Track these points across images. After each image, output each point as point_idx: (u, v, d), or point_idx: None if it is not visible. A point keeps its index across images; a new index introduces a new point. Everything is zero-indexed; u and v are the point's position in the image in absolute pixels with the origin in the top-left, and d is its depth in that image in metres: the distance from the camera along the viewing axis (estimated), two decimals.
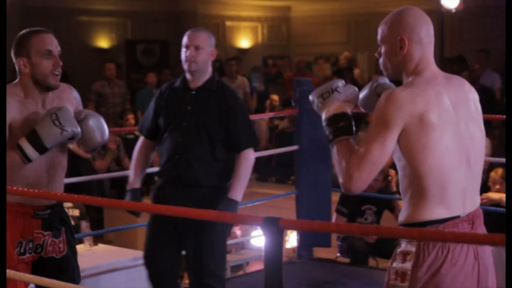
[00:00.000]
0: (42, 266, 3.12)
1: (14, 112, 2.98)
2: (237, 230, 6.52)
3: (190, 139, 3.80)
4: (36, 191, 2.93)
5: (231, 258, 6.25)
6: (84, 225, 6.12)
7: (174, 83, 4.00)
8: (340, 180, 2.53)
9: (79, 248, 5.36)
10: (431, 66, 2.58)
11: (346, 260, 5.93)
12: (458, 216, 2.49)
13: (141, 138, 4.08)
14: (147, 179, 8.16)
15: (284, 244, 5.85)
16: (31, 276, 3.02)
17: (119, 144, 8.16)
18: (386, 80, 2.74)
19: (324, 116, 2.65)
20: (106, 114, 9.54)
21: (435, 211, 2.47)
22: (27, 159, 2.94)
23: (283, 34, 13.87)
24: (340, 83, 2.68)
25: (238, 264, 6.28)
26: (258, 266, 6.40)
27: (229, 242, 6.32)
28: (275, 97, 10.62)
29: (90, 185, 7.45)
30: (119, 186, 7.73)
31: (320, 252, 5.84)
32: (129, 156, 8.23)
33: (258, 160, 9.05)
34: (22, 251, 3.06)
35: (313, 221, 2.82)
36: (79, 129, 3.02)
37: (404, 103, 2.45)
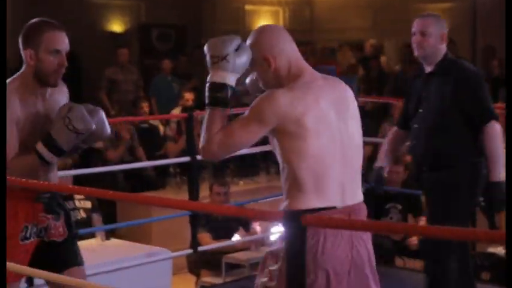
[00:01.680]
0: (43, 250, 3.26)
1: (18, 112, 3.13)
2: (257, 226, 6.53)
3: (425, 125, 4.12)
4: (49, 183, 3.02)
5: (251, 255, 6.25)
6: (96, 218, 6.14)
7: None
8: (201, 145, 2.83)
9: (90, 242, 5.43)
10: (306, 69, 2.90)
11: None
12: (334, 207, 2.83)
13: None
14: (163, 171, 8.20)
15: (306, 241, 5.83)
16: (42, 271, 3.09)
17: (133, 134, 8.18)
18: None
19: (207, 79, 2.90)
20: (118, 101, 9.57)
21: (310, 202, 2.80)
22: (46, 163, 3.14)
23: (306, 19, 13.81)
24: (232, 47, 2.84)
25: (258, 261, 6.27)
26: None
27: (249, 238, 6.33)
28: None
29: (102, 175, 7.47)
30: (132, 178, 7.76)
31: None
32: (143, 146, 8.29)
33: None
34: (27, 235, 3.21)
35: (338, 218, 2.82)
36: (93, 126, 3.15)
37: (282, 106, 2.76)
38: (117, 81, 9.76)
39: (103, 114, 3.29)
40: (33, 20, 3.26)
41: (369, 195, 6.15)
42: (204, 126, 2.84)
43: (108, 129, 3.30)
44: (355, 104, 2.97)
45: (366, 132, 7.22)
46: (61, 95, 3.32)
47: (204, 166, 8.05)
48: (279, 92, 2.80)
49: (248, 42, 2.93)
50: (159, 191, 7.78)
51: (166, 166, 8.00)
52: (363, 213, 2.97)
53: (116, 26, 12.18)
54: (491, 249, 5.76)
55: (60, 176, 5.53)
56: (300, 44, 10.87)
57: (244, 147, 2.86)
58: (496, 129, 3.98)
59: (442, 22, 4.16)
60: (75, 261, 3.33)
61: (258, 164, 9.05)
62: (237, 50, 2.87)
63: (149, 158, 7.89)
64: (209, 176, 7.70)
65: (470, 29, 6.59)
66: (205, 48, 2.92)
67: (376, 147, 8.22)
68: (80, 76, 10.57)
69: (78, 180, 6.21)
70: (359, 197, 2.96)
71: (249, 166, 8.62)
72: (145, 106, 8.82)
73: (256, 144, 7.32)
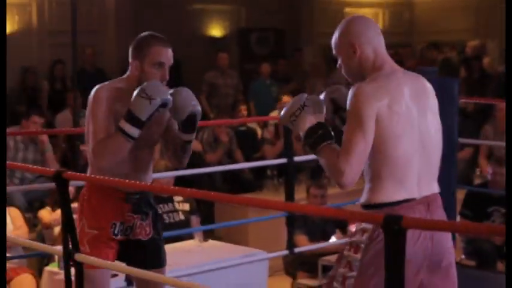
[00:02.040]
0: (129, 248, 3.44)
1: (113, 109, 3.32)
2: (353, 228, 6.45)
3: None
4: (152, 185, 3.07)
5: None
6: (195, 220, 6.22)
7: None
8: (334, 179, 2.85)
9: (189, 243, 5.48)
10: (388, 62, 2.97)
11: (472, 263, 5.77)
12: (414, 199, 2.87)
13: None
14: (260, 174, 8.21)
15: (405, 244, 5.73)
16: (135, 269, 3.18)
17: (231, 137, 8.22)
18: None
19: (301, 133, 2.94)
20: (218, 105, 9.65)
21: (390, 195, 2.84)
22: (130, 137, 3.23)
23: (406, 21, 13.63)
24: (303, 96, 3.00)
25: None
26: None
27: (345, 240, 6.26)
28: None
29: (201, 178, 7.54)
30: (230, 180, 7.80)
31: None
32: (242, 149, 8.33)
33: None
34: (116, 232, 3.43)
35: (438, 220, 2.76)
36: (168, 97, 3.26)
37: (370, 95, 2.81)
38: (217, 85, 9.85)
39: (189, 92, 3.39)
40: (143, 34, 3.45)
41: (471, 198, 6.02)
42: (326, 169, 2.88)
43: (197, 107, 3.38)
44: (435, 99, 3.00)
45: (467, 133, 7.09)
46: None
47: (301, 168, 8.02)
48: (361, 86, 2.86)
49: (338, 29, 3.03)
50: (256, 193, 7.79)
51: (264, 168, 8.01)
52: (439, 204, 2.99)
53: (216, 31, 12.30)
54: None
55: (161, 177, 5.64)
56: (399, 46, 10.75)
57: (368, 149, 2.83)
58: None
59: None
60: (158, 263, 3.48)
61: None
62: (307, 98, 3.01)
63: (247, 161, 7.92)
64: (306, 178, 7.67)
65: None
66: (283, 117, 3.02)
67: (477, 149, 8.02)
68: (181, 80, 10.71)
69: (177, 182, 6.29)
70: (435, 187, 2.99)
71: None
72: (243, 109, 8.86)
73: None
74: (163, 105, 3.26)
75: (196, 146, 8.17)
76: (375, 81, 2.89)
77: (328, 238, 6.33)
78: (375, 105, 2.81)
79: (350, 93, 2.87)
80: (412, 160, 2.88)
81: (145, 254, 3.46)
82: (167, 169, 5.87)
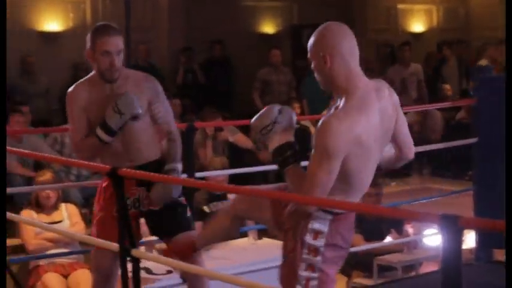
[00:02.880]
0: (148, 219, 3.76)
1: (83, 101, 3.76)
2: (409, 228, 6.42)
3: None
4: (207, 182, 3.11)
5: (403, 258, 6.16)
6: None
7: None
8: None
9: (243, 241, 5.51)
10: (362, 79, 2.94)
11: None
12: None
13: None
14: None
15: (462, 244, 5.66)
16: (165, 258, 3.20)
17: None
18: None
19: (270, 150, 3.02)
20: (271, 102, 9.62)
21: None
22: (103, 142, 3.68)
23: (461, 17, 13.49)
24: (276, 109, 3.03)
25: (410, 264, 6.18)
26: (432, 267, 6.27)
27: (401, 240, 6.24)
28: (447, 86, 10.36)
29: (254, 176, 7.57)
30: (283, 178, 7.81)
31: (501, 255, 5.63)
32: None
33: (432, 154, 8.91)
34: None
35: (496, 220, 2.73)
36: (138, 111, 3.64)
37: (341, 134, 2.82)
38: (270, 82, 9.87)
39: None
40: (96, 24, 3.83)
41: None
42: (291, 188, 3.02)
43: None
44: (397, 107, 3.08)
45: None
46: (135, 88, 3.74)
47: None
48: (334, 123, 2.85)
49: (314, 34, 3.01)
50: None
51: None
52: None
53: (268, 27, 12.32)
54: None
55: (216, 175, 5.69)
56: (454, 42, 10.63)
57: (331, 183, 2.91)
58: None
59: None
60: (178, 228, 3.73)
61: (410, 165, 8.91)
62: (280, 112, 3.06)
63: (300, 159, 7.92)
64: None
65: None
66: (253, 132, 3.08)
67: None
68: (233, 77, 10.76)
69: (231, 180, 6.33)
70: None
71: (401, 167, 8.50)
72: (296, 107, 8.86)
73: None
74: (134, 117, 3.67)
75: (249, 143, 8.21)
76: (348, 114, 2.88)
77: (384, 238, 6.31)
78: (344, 145, 2.85)
79: (321, 126, 2.87)
80: (365, 182, 3.04)
81: (162, 222, 3.73)
82: (223, 166, 5.91)
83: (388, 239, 6.25)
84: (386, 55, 11.94)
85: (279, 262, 4.91)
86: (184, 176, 4.44)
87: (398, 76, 10.33)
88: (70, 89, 3.84)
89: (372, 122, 2.91)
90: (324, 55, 2.94)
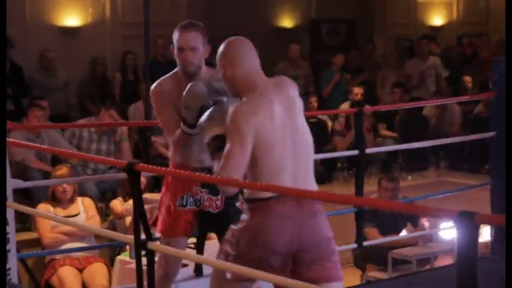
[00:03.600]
0: (202, 218, 3.86)
1: (171, 96, 3.79)
2: (425, 222, 6.38)
3: None
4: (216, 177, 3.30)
5: (418, 251, 6.13)
6: None
7: None
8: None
9: None
10: (260, 81, 3.34)
11: None
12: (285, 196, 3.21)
13: None
14: (331, 166, 8.18)
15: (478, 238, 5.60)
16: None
17: None
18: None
19: (210, 136, 3.38)
20: None
21: (264, 193, 3.19)
22: (189, 134, 3.74)
23: (481, 10, 13.38)
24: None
25: (425, 257, 6.14)
26: (447, 261, 6.23)
27: (417, 233, 6.20)
28: (468, 79, 10.28)
29: None
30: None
31: None
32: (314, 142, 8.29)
33: (449, 147, 8.84)
34: (184, 203, 3.83)
35: (503, 216, 2.70)
36: (204, 102, 3.62)
37: (247, 113, 3.20)
38: (289, 76, 9.82)
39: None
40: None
41: None
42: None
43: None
44: (300, 99, 3.41)
45: None
46: None
47: (372, 161, 7.96)
48: (239, 107, 3.26)
49: (220, 47, 3.42)
50: (325, 185, 7.77)
51: (334, 160, 7.97)
52: (313, 201, 3.30)
53: (287, 22, 12.28)
54: None
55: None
56: (474, 36, 10.52)
57: (245, 163, 3.19)
58: None
59: None
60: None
61: (427, 159, 8.85)
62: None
63: (317, 153, 7.87)
64: (376, 171, 7.62)
65: None
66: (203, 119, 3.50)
67: None
68: None
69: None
70: (310, 185, 3.34)
71: (418, 161, 8.45)
72: (314, 101, 8.83)
73: (426, 138, 7.16)
74: (202, 108, 3.63)
75: None
76: (250, 101, 3.26)
77: (399, 231, 6.28)
78: (251, 122, 3.19)
79: (231, 111, 3.25)
80: (285, 165, 3.24)
81: (216, 226, 3.84)
82: None
83: (404, 233, 6.22)
84: (406, 49, 11.88)
85: None
86: None
87: (416, 70, 10.27)
88: (154, 86, 3.89)
89: (274, 111, 3.25)
90: (224, 65, 3.37)
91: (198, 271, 4.46)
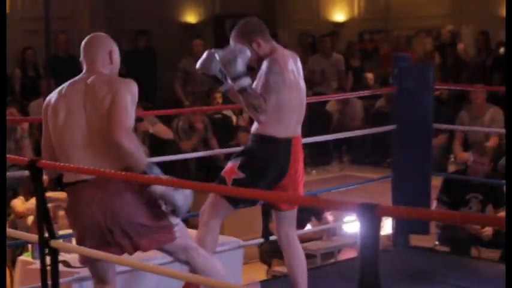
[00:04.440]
0: None
1: None
2: (329, 216, 6.47)
3: None
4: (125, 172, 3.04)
5: (322, 245, 6.21)
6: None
7: None
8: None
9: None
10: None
11: (446, 248, 5.81)
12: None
13: None
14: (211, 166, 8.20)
15: (379, 231, 5.72)
16: None
17: (206, 125, 8.21)
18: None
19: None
20: (193, 92, 9.61)
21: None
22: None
23: (381, 7, 13.65)
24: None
25: (329, 251, 6.23)
26: (351, 254, 6.34)
27: (321, 227, 6.28)
28: (369, 75, 10.47)
29: (175, 166, 7.52)
30: (205, 168, 7.79)
31: (417, 240, 5.74)
32: (217, 137, 8.31)
33: (352, 141, 9.00)
34: None
35: (412, 208, 2.77)
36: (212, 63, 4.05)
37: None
38: (192, 73, 9.80)
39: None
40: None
41: (449, 184, 6.05)
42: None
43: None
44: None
45: (442, 120, 7.14)
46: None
47: None
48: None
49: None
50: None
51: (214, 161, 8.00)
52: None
53: (191, 17, 12.24)
54: None
55: None
56: (374, 32, 10.70)
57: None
58: None
59: None
60: None
61: (331, 153, 8.98)
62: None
63: (222, 148, 7.90)
64: None
65: None
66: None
67: (451, 135, 8.07)
68: (156, 67, 10.66)
69: None
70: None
71: (321, 155, 8.57)
72: (218, 97, 8.83)
73: (329, 133, 7.26)
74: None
75: (170, 134, 8.15)
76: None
77: (304, 226, 6.35)
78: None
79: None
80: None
81: None
82: None
83: (308, 227, 6.30)
84: (309, 44, 12.01)
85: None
86: None
87: (319, 66, 10.40)
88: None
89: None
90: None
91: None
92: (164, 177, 3.33)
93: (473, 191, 5.97)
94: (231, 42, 4.00)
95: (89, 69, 3.59)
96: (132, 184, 3.35)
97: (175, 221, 3.52)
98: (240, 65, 3.82)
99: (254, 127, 3.98)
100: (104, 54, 3.62)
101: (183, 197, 3.49)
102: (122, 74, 11.67)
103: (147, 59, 10.36)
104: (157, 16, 11.19)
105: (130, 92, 3.49)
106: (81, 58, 3.64)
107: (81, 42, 3.77)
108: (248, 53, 3.86)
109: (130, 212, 3.38)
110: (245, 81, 3.82)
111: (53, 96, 3.53)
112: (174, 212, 3.50)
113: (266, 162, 3.91)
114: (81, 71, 3.75)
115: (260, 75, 3.95)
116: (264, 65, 3.93)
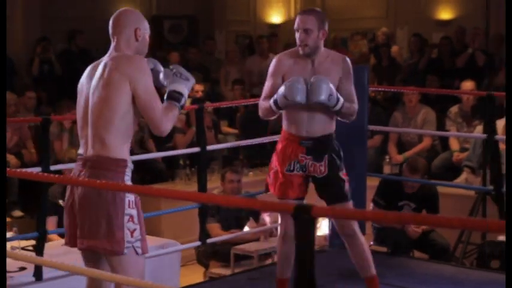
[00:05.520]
0: (309, 181, 4.31)
1: (283, 70, 4.29)
2: (266, 217, 6.50)
3: None
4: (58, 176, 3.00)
5: (259, 246, 6.23)
6: None
7: None
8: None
9: None
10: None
11: (382, 249, 5.89)
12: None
13: None
14: (173, 163, 8.17)
15: (315, 232, 5.79)
16: None
17: (143, 126, 8.15)
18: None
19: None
20: None
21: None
22: (272, 111, 4.34)
23: (317, 8, 13.76)
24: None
25: (266, 252, 6.26)
26: None
27: (258, 229, 6.31)
28: None
29: None
30: (142, 170, 7.74)
31: None
32: (154, 139, 8.26)
33: None
34: (291, 168, 4.26)
35: (347, 209, 2.83)
36: (297, 99, 4.13)
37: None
38: None
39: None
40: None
41: (384, 187, 6.13)
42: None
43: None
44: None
45: (376, 121, 7.20)
46: (332, 65, 4.28)
47: (214, 157, 8.03)
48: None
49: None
50: (168, 183, 7.77)
51: (176, 158, 7.98)
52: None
53: None
54: (501, 238, 5.73)
55: (68, 168, 5.56)
56: None
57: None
58: None
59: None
60: (335, 197, 4.24)
61: (268, 155, 9.00)
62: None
63: (159, 151, 7.87)
64: (219, 168, 7.69)
65: (483, 17, 6.55)
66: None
67: (386, 136, 8.18)
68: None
69: None
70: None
71: (259, 157, 8.59)
72: None
73: (266, 135, 7.29)
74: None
75: None
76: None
77: (242, 227, 6.36)
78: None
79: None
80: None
81: (321, 188, 4.28)
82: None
83: (246, 229, 6.32)
84: (245, 46, 12.04)
85: None
86: (38, 169, 4.35)
87: (257, 67, 10.43)
88: (277, 55, 4.39)
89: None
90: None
91: (38, 275, 4.36)
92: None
93: (406, 198, 6.05)
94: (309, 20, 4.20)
95: (113, 48, 3.61)
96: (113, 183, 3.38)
97: (136, 244, 3.51)
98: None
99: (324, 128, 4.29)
100: (129, 31, 3.60)
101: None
102: (57, 75, 11.55)
103: (82, 59, 10.25)
104: (92, 17, 11.08)
105: (143, 72, 3.51)
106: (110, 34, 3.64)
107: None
108: None
109: (99, 204, 3.39)
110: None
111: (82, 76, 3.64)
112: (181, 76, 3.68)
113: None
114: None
115: (344, 74, 4.29)
116: (349, 64, 4.31)
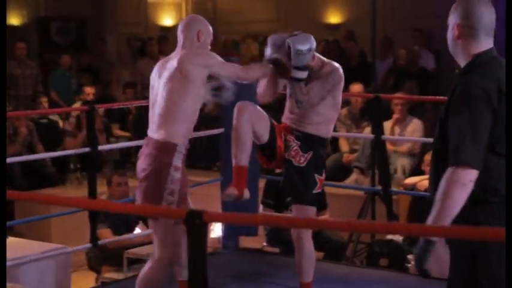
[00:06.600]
0: (285, 165, 4.32)
1: None
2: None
3: None
4: None
5: (152, 250, 6.17)
6: None
7: None
8: None
9: None
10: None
11: (274, 249, 5.94)
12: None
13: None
14: (63, 167, 8.01)
15: (208, 234, 5.82)
16: None
17: (32, 130, 7.97)
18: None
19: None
20: (16, 97, 9.33)
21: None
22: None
23: (209, 11, 13.78)
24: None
25: None
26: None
27: (149, 231, 6.26)
28: None
29: None
30: (31, 174, 7.58)
31: (246, 242, 5.83)
32: (43, 142, 8.09)
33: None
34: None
35: (238, 214, 2.87)
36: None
37: None
38: (15, 76, 9.53)
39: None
40: None
41: (270, 187, 6.19)
42: None
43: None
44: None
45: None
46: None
47: (106, 162, 7.94)
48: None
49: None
50: (59, 187, 7.63)
51: (67, 162, 7.84)
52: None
53: (14, 19, 11.87)
54: (390, 237, 5.87)
55: None
56: None
57: None
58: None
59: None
60: (299, 197, 4.28)
61: None
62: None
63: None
64: (110, 171, 7.60)
65: (370, 21, 6.72)
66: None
67: None
68: None
69: None
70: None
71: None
72: (44, 101, 8.61)
73: None
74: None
75: None
76: None
77: (133, 230, 6.30)
78: None
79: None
80: None
81: (290, 182, 4.26)
82: None
83: (137, 231, 6.26)
84: (136, 49, 11.96)
85: (21, 260, 4.76)
86: None
87: (148, 70, 10.35)
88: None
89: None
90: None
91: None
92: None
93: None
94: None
95: (180, 46, 4.16)
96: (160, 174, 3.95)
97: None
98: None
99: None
100: (192, 34, 4.12)
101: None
102: None
103: None
104: None
105: (209, 56, 4.08)
106: None
107: None
108: None
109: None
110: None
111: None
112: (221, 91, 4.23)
113: None
114: None
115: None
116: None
